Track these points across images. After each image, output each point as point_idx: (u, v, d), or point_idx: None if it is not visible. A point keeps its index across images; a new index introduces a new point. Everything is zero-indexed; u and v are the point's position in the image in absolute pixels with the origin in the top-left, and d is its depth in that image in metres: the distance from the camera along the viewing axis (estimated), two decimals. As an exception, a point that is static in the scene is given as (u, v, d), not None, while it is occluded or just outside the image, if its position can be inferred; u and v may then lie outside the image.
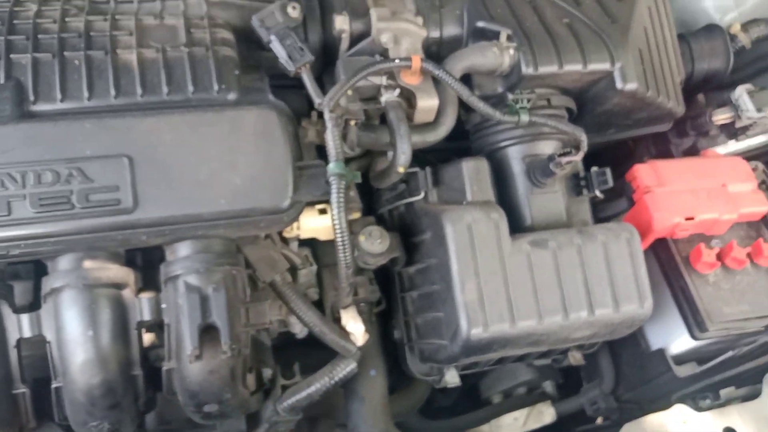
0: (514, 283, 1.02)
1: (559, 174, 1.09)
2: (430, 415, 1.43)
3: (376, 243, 1.07)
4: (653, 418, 1.06)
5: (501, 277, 1.02)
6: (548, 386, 1.50)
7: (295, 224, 1.08)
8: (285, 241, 1.11)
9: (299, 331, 1.14)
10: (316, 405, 1.24)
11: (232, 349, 0.90)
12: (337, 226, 0.94)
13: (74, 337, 0.87)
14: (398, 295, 1.22)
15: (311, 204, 1.06)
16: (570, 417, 1.41)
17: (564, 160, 1.07)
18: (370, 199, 1.26)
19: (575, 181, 1.17)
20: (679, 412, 1.06)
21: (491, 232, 1.03)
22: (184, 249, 0.92)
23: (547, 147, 1.15)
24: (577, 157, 1.08)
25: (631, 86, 1.11)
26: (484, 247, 1.03)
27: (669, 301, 1.21)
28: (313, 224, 1.08)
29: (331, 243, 1.12)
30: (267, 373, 1.12)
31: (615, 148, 1.44)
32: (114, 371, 0.90)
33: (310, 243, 1.15)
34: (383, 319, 1.26)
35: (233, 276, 0.93)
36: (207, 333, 0.89)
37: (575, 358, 1.25)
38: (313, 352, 1.15)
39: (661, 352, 1.23)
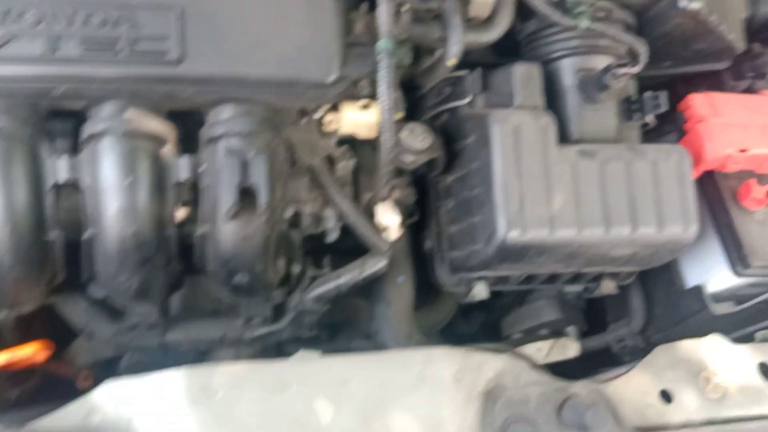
0: (557, 191, 0.99)
1: (614, 87, 1.06)
2: (452, 341, 1.41)
3: (419, 140, 1.05)
4: (687, 344, 1.03)
5: (544, 183, 0.99)
6: (571, 331, 1.47)
7: (335, 118, 1.06)
8: (324, 135, 1.09)
9: (331, 226, 1.11)
10: (339, 313, 1.24)
11: (269, 215, 0.88)
12: (385, 104, 0.92)
13: (111, 184, 0.86)
14: (432, 206, 1.20)
15: (354, 98, 1.05)
16: (594, 355, 1.39)
17: (621, 71, 1.03)
18: (412, 109, 1.23)
19: (627, 105, 1.13)
20: (714, 341, 1.02)
21: (538, 137, 1.01)
22: (227, 111, 0.91)
23: (601, 62, 1.10)
24: (635, 69, 1.04)
25: (695, 5, 1.07)
26: (530, 150, 1.00)
27: (710, 237, 1.17)
28: (355, 119, 1.06)
29: (368, 144, 1.12)
30: (295, 269, 1.11)
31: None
32: (148, 225, 0.89)
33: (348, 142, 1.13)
34: (414, 231, 1.24)
35: (274, 145, 0.92)
36: (245, 196, 0.88)
37: (608, 287, 1.22)
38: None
39: (697, 290, 1.19)
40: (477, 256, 1.06)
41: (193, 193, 0.94)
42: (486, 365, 0.94)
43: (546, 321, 1.44)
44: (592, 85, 1.08)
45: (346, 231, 1.09)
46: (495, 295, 1.46)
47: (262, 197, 0.86)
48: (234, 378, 0.84)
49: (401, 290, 1.20)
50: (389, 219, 1.05)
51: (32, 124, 0.87)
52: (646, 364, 1.00)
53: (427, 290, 1.29)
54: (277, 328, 1.13)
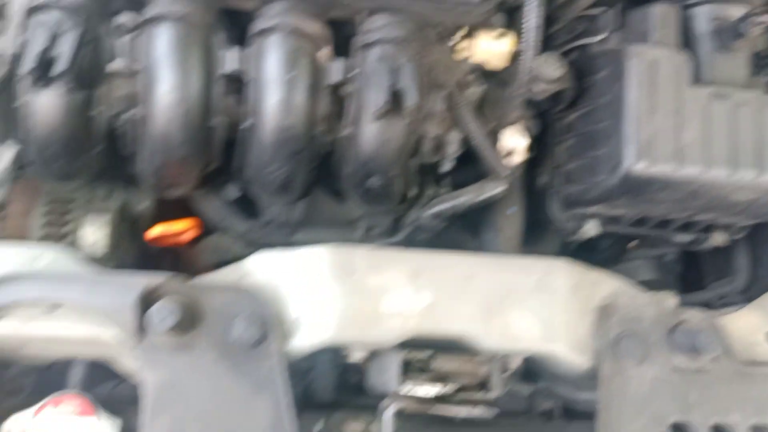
0: (687, 128, 1.02)
1: (749, 36, 1.07)
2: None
3: (552, 69, 1.09)
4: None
5: (675, 119, 1.02)
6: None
7: (469, 45, 1.11)
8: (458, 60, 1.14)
9: (452, 152, 1.17)
10: (442, 246, 1.31)
11: (411, 119, 0.95)
12: (531, 23, 0.96)
13: (273, 77, 0.95)
14: (550, 142, 1.24)
15: (490, 28, 1.10)
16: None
17: (758, 19, 1.04)
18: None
19: (757, 59, 1.14)
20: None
21: (673, 74, 1.03)
22: (382, 19, 0.98)
23: (738, 11, 1.11)
24: (775, 18, 1.05)
25: None
26: (664, 86, 1.03)
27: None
28: (489, 47, 1.11)
29: (494, 77, 1.17)
30: (413, 192, 1.19)
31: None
32: (302, 119, 0.97)
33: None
34: (529, 166, 1.29)
35: (423, 54, 0.98)
36: (393, 101, 0.94)
37: (719, 239, 1.23)
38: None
39: (811, 250, 1.19)
40: (597, 189, 1.09)
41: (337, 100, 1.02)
42: (602, 283, 0.98)
43: (641, 281, 1.46)
44: (728, 32, 1.09)
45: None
46: (591, 250, 1.51)
47: (410, 98, 0.92)
48: (373, 260, 0.92)
49: (512, 220, 1.25)
50: (517, 141, 1.10)
51: (210, 16, 0.96)
52: (755, 306, 1.03)
53: (532, 230, 1.34)
54: (393, 240, 1.20)
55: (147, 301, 0.86)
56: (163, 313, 0.83)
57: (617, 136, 1.03)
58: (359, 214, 1.23)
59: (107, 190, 1.22)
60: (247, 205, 1.25)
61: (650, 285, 1.46)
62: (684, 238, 1.28)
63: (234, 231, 1.22)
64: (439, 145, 1.16)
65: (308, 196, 1.23)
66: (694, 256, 1.48)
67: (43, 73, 0.89)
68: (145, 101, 0.95)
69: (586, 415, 1.15)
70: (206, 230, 1.27)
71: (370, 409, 1.05)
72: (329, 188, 1.26)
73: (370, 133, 0.98)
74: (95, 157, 1.04)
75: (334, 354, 1.14)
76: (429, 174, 1.20)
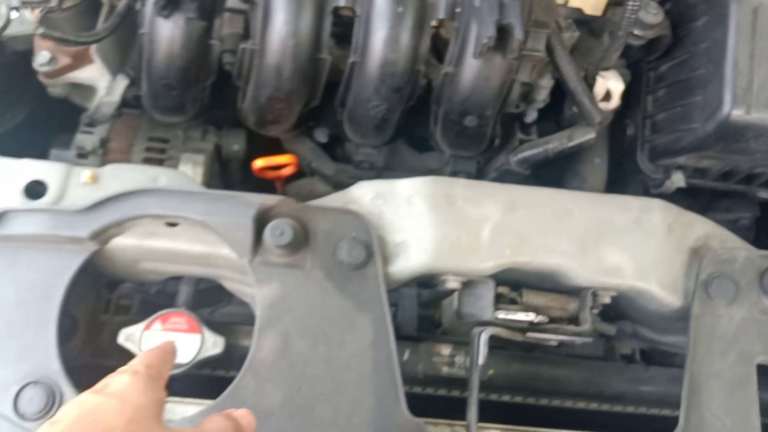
0: (788, 75, 1.02)
1: None
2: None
3: (651, 14, 1.10)
4: None
5: (776, 66, 1.02)
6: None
7: (564, -9, 1.12)
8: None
9: (541, 99, 1.19)
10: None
11: (515, 55, 0.97)
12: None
13: (382, 12, 0.98)
14: (640, 93, 1.25)
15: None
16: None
17: None
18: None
19: None
20: None
21: (776, 20, 1.03)
22: (489, -42, 1.00)
23: None
24: None
25: None
26: (766, 32, 1.02)
27: None
28: (586, -6, 1.12)
29: (585, 25, 1.17)
30: (498, 139, 1.21)
31: None
32: (407, 55, 1.00)
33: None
34: (615, 120, 1.30)
35: (527, -4, 1.00)
36: (498, 36, 0.96)
37: (804, 195, 1.23)
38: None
39: None
40: (689, 137, 1.10)
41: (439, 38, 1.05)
42: (697, 224, 1.00)
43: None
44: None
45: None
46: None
47: (517, 33, 0.94)
48: (472, 192, 0.96)
49: (597, 170, 1.27)
50: (614, 85, 1.11)
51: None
52: None
53: (614, 183, 1.35)
54: (478, 185, 1.23)
55: (262, 220, 0.91)
56: (277, 231, 0.88)
57: (715, 82, 1.04)
58: (439, 165, 1.26)
59: (202, 131, 1.28)
60: (333, 150, 1.30)
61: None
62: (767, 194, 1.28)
63: (322, 173, 1.27)
64: (527, 93, 1.18)
65: (393, 143, 1.28)
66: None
67: (168, 1, 0.94)
68: (259, 33, 1.00)
69: (663, 361, 1.19)
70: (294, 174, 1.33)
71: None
72: (412, 140, 1.30)
73: (472, 69, 1.01)
74: (206, 89, 1.09)
75: (416, 292, 1.21)
76: (513, 123, 1.22)
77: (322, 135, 1.27)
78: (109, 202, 0.91)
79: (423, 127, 1.23)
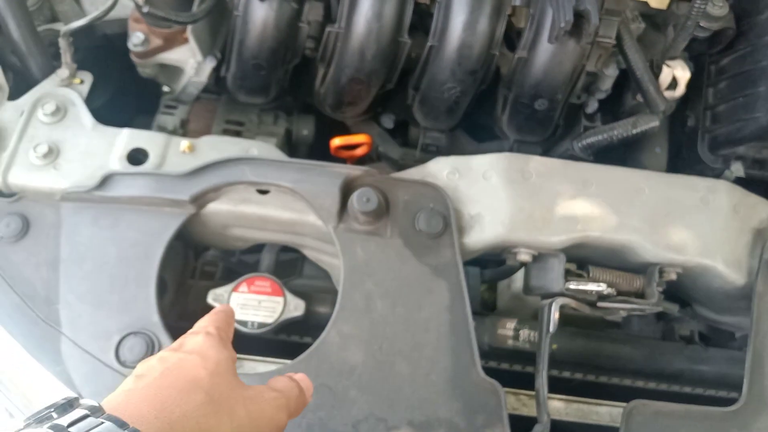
0: None
1: None
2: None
3: (717, 6, 1.14)
4: None
5: (842, 57, 1.05)
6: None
7: (633, -16, 1.17)
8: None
9: (605, 88, 1.23)
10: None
11: (590, 41, 1.02)
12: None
13: (463, -2, 1.04)
14: (703, 86, 1.28)
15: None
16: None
17: None
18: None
19: None
20: None
21: None
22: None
23: None
24: None
25: None
26: (832, 24, 1.06)
27: None
28: (652, -13, 1.17)
29: (647, 19, 1.22)
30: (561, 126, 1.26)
31: None
32: (483, 39, 1.06)
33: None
34: (675, 111, 1.33)
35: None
36: (574, 22, 1.01)
37: None
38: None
39: None
40: (752, 125, 1.13)
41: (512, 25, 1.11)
42: (761, 207, 1.03)
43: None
44: None
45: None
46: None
47: (594, 19, 0.99)
48: (546, 168, 1.01)
49: (656, 159, 1.31)
50: (681, 73, 1.15)
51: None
52: None
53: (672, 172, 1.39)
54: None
55: (347, 188, 0.97)
56: (364, 198, 0.94)
57: (780, 72, 1.07)
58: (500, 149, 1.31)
59: (274, 116, 1.36)
60: (398, 136, 1.36)
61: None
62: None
63: (389, 157, 1.33)
64: (591, 83, 1.23)
65: (453, 131, 1.33)
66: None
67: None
68: (345, 17, 1.06)
69: (721, 344, 1.22)
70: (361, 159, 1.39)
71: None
72: (471, 129, 1.35)
73: (546, 54, 1.06)
74: (288, 71, 1.16)
75: (479, 271, 1.25)
76: (575, 113, 1.27)
77: (388, 121, 1.33)
78: (209, 168, 0.98)
79: (485, 117, 1.28)
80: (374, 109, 1.32)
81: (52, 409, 0.53)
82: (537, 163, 1.01)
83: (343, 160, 1.31)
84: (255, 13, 1.06)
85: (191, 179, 0.97)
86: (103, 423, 0.52)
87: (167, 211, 0.98)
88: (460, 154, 1.32)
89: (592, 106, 1.28)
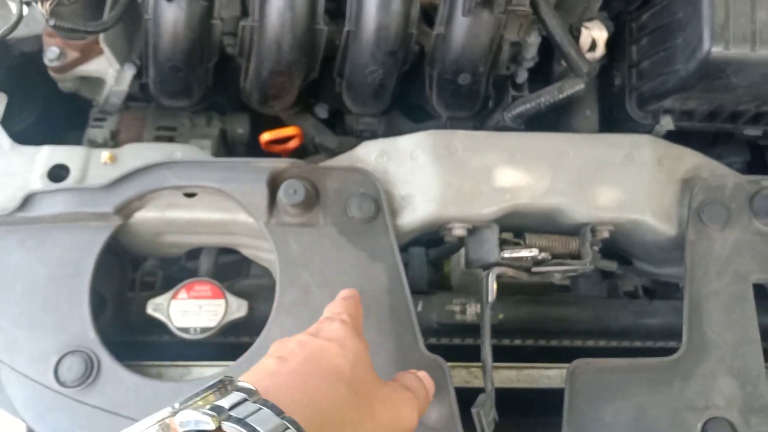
0: (761, 9, 1.06)
1: None
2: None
3: (628, -36, 1.15)
4: None
5: (750, 1, 1.07)
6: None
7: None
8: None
9: (530, 57, 1.24)
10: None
11: (503, 10, 1.03)
12: None
13: (375, -23, 1.03)
14: (626, 44, 1.29)
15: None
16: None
17: None
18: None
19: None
20: None
21: (749, -41, 1.08)
22: None
23: None
24: None
25: None
26: (739, -30, 1.07)
27: None
28: (565, -49, 1.17)
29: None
30: (492, 100, 1.26)
31: None
32: (398, 19, 1.05)
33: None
34: (602, 72, 1.35)
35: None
36: (482, -6, 1.02)
37: (790, 128, 1.28)
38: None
39: None
40: (674, 78, 1.15)
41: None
42: (686, 157, 1.05)
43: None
44: None
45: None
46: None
47: (500, -11, 0.99)
48: (471, 142, 1.01)
49: (588, 121, 1.32)
50: (598, 33, 1.16)
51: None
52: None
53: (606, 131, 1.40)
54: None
55: (274, 182, 0.96)
56: (291, 190, 0.94)
57: (694, 22, 1.08)
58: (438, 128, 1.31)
59: (207, 117, 1.34)
60: (334, 125, 1.35)
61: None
62: (754, 131, 1.32)
63: (326, 147, 1.32)
64: (516, 53, 1.23)
65: (388, 114, 1.33)
66: (761, 163, 1.53)
67: (170, -16, 0.99)
68: (257, 10, 1.05)
69: (665, 296, 1.24)
70: (302, 150, 1.38)
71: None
72: (407, 110, 1.35)
73: (462, 27, 1.06)
74: (210, 71, 1.14)
75: (424, 251, 1.26)
76: (506, 84, 1.28)
77: (322, 111, 1.32)
78: (130, 176, 0.96)
79: (417, 97, 1.28)
80: (306, 100, 1.31)
81: (211, 391, 0.52)
82: (462, 137, 1.01)
83: (277, 155, 1.30)
84: (165, 14, 1.04)
85: (113, 190, 0.96)
86: (261, 409, 0.51)
87: (93, 225, 0.96)
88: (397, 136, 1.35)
89: (522, 76, 1.29)
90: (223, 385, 0.53)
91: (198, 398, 0.52)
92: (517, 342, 1.16)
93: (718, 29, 1.06)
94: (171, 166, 0.97)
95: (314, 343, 0.63)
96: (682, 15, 1.13)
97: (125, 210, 0.97)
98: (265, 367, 0.60)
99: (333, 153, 1.33)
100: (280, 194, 0.94)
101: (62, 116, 1.34)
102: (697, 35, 1.07)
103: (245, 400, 0.52)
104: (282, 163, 0.97)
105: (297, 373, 0.58)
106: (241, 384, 0.54)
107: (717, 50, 1.06)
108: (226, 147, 1.37)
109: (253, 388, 0.54)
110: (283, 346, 0.64)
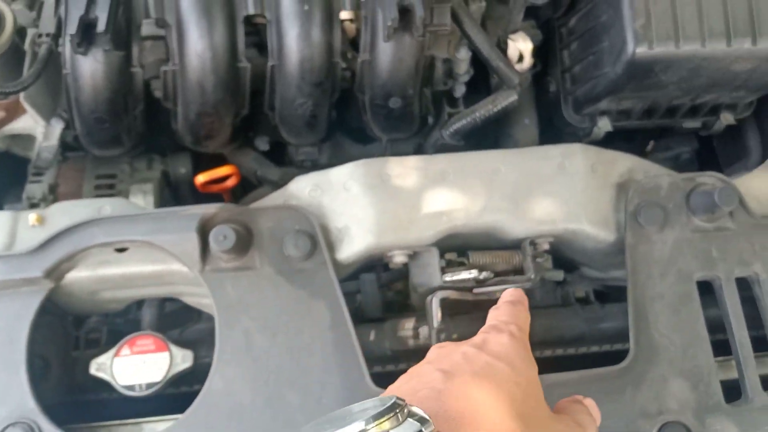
0: (681, 6, 1.06)
1: None
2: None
3: (547, -26, 1.15)
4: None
5: (669, 0, 1.07)
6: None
7: (468, -38, 1.17)
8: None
9: (463, 71, 1.24)
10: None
11: (421, 35, 1.02)
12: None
13: (291, 12, 1.02)
14: (557, 50, 1.30)
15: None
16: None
17: None
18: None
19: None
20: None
21: (662, -43, 1.08)
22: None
23: None
24: None
25: None
26: (654, -30, 1.08)
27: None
28: (486, -35, 1.17)
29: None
30: (431, 118, 1.26)
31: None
32: (321, 50, 1.04)
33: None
34: (537, 81, 1.35)
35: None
36: (402, 17, 1.01)
37: (726, 118, 1.28)
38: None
39: (815, 115, 1.24)
40: (604, 80, 1.15)
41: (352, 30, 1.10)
42: (619, 161, 1.05)
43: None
44: None
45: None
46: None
47: (418, 11, 0.98)
48: (403, 167, 1.00)
49: (527, 131, 1.32)
50: (523, 45, 1.16)
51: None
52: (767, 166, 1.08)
53: (551, 139, 1.41)
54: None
55: (205, 229, 0.95)
56: (220, 237, 0.92)
57: (617, 25, 1.08)
58: (381, 152, 1.31)
59: (147, 160, 1.32)
60: (277, 156, 1.34)
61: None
62: (693, 123, 1.34)
63: (269, 180, 1.31)
64: (451, 69, 1.23)
65: (332, 139, 1.32)
66: (709, 151, 1.54)
67: (84, 37, 0.97)
68: (177, 54, 1.03)
69: (618, 298, 1.24)
70: (247, 184, 1.36)
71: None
72: (351, 133, 1.34)
73: (386, 53, 1.05)
74: (137, 117, 1.13)
75: (376, 277, 1.24)
76: (444, 100, 1.27)
77: (262, 143, 1.31)
78: (57, 238, 0.94)
79: (358, 120, 1.27)
80: (245, 134, 1.30)
81: (387, 417, 0.45)
82: (394, 163, 1.00)
83: (219, 196, 1.29)
84: (82, 68, 1.02)
85: (41, 253, 0.93)
86: None
87: (24, 291, 0.94)
88: (343, 161, 1.33)
89: (459, 90, 1.29)
90: (396, 411, 0.46)
91: (374, 424, 0.45)
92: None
93: (640, 30, 1.06)
94: (98, 222, 0.95)
95: (481, 360, 0.54)
96: (605, 18, 1.13)
97: (56, 272, 0.95)
98: (429, 383, 0.52)
99: (276, 185, 1.32)
100: (211, 241, 0.92)
101: (4, 174, 1.31)
102: (621, 38, 1.08)
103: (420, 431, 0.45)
104: (211, 209, 0.95)
105: (467, 396, 0.50)
106: (414, 410, 0.47)
107: (641, 51, 1.06)
108: (171, 188, 1.35)
109: (427, 418, 0.47)
110: (446, 355, 0.55)
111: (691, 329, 0.95)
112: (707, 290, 1.01)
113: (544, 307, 1.22)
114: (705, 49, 1.07)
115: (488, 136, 1.34)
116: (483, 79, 1.31)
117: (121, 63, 1.04)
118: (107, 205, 1.01)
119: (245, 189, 1.37)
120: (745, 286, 1.00)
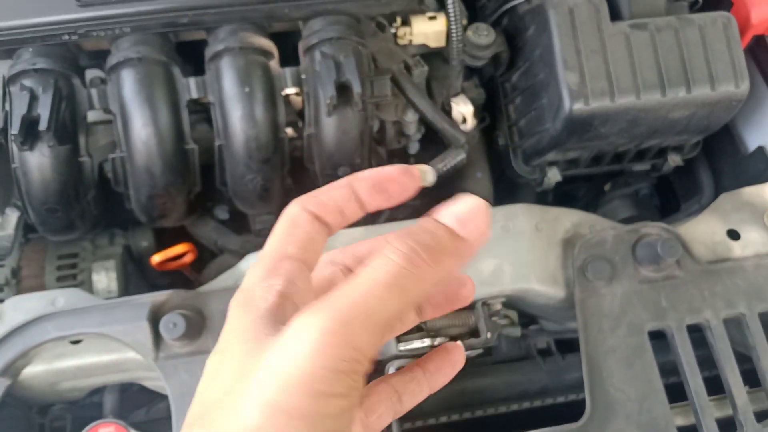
0: (614, 62, 1.10)
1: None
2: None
3: (483, 36, 1.18)
4: (750, 189, 1.11)
5: (601, 56, 1.10)
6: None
7: (407, 31, 1.21)
8: (400, 47, 1.24)
9: (413, 132, 1.27)
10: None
11: (362, 107, 1.04)
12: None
13: (233, 94, 1.04)
14: (501, 106, 1.33)
15: (421, 12, 1.19)
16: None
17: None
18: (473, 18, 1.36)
19: (675, -14, 1.22)
20: (777, 185, 1.11)
21: (592, 15, 1.12)
22: (318, 23, 1.07)
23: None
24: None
25: None
26: (585, 28, 1.11)
27: (766, 99, 1.25)
28: (424, 29, 1.20)
29: (438, 55, 1.26)
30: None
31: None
32: (266, 128, 1.06)
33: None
34: (487, 135, 1.37)
35: (360, 49, 1.07)
36: (341, 93, 1.03)
37: (674, 159, 1.31)
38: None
39: (759, 151, 1.27)
40: (547, 136, 1.18)
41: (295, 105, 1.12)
42: (563, 217, 1.07)
43: (621, 218, 1.55)
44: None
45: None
46: (570, 199, 1.59)
47: (356, 87, 1.01)
48: (350, 237, 1.01)
49: (481, 184, 1.34)
50: (464, 108, 1.19)
51: (165, 52, 1.06)
52: (712, 209, 1.10)
53: (507, 190, 1.43)
54: (377, 224, 1.29)
55: (156, 317, 0.95)
56: (170, 325, 0.93)
57: (553, 83, 1.12)
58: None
59: (109, 236, 1.33)
60: (239, 223, 1.35)
61: (631, 221, 1.55)
62: (642, 166, 1.37)
63: (229, 249, 1.32)
64: (401, 130, 1.26)
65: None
66: (667, 185, 1.57)
67: (27, 135, 0.99)
68: (124, 141, 1.05)
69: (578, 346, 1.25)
70: (209, 253, 1.37)
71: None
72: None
73: (329, 127, 1.07)
74: (91, 203, 1.14)
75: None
76: (400, 158, 1.29)
77: (222, 212, 1.32)
78: (9, 336, 0.94)
79: (315, 185, 1.29)
80: (203, 205, 1.31)
81: None
82: (342, 236, 1.01)
83: (178, 272, 1.29)
84: (29, 162, 1.04)
85: (-6, 353, 0.94)
86: None
87: (-21, 391, 0.94)
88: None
89: (414, 148, 1.31)
90: None
91: None
92: (444, 419, 1.16)
93: (575, 88, 1.09)
94: (50, 317, 0.95)
95: None
96: (542, 76, 1.16)
97: (11, 369, 0.95)
98: None
99: (237, 253, 1.33)
100: (161, 330, 0.93)
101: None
102: (557, 95, 1.11)
103: None
104: (161, 296, 0.96)
105: None
106: None
107: (578, 107, 1.10)
108: (134, 262, 1.36)
109: None
110: None
111: (646, 381, 0.96)
112: (661, 333, 1.02)
113: (508, 360, 1.23)
114: (640, 100, 1.11)
115: (447, 190, 1.35)
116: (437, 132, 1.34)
117: (68, 155, 1.05)
118: (60, 297, 1.01)
119: (205, 258, 1.38)
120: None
